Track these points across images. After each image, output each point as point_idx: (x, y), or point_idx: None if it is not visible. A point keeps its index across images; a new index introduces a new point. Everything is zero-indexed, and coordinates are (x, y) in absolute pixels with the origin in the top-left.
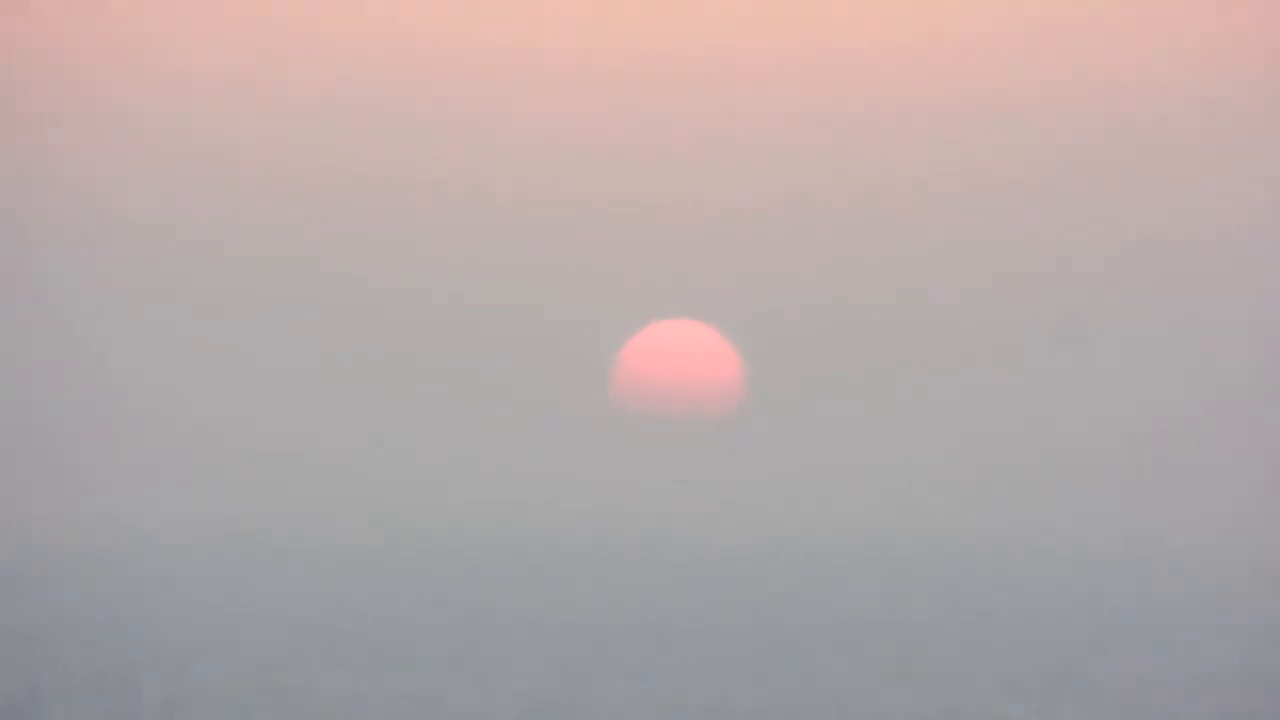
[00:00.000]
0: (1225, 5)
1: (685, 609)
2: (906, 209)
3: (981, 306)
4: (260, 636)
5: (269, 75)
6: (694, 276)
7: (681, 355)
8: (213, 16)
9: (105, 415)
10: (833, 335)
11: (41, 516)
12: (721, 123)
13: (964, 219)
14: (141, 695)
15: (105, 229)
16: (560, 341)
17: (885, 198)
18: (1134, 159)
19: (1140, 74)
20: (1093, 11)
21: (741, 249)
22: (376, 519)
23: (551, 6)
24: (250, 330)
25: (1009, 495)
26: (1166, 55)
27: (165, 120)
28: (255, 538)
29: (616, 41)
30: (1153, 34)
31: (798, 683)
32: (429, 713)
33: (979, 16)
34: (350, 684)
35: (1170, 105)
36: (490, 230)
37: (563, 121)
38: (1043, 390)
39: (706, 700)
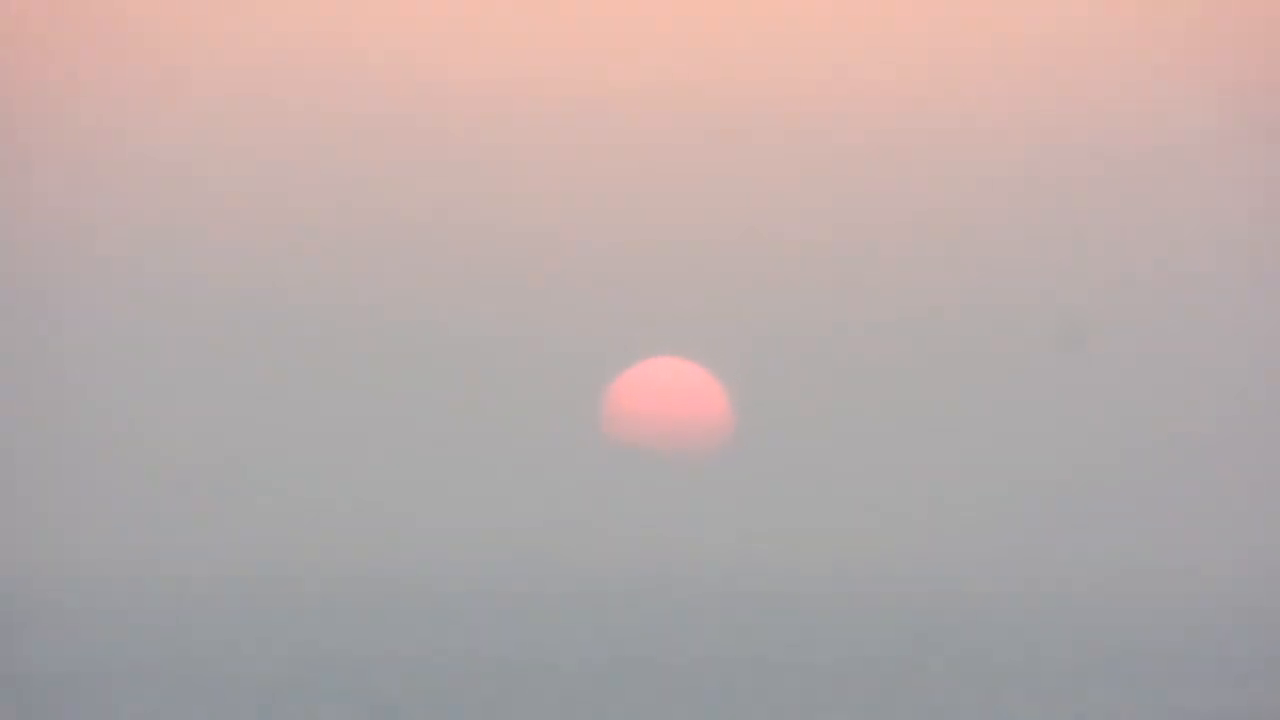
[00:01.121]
0: (1225, 9)
1: (682, 644)
2: (901, 239)
3: (980, 337)
4: (252, 669)
5: (267, 104)
6: (688, 311)
7: (674, 390)
8: (215, 26)
9: (96, 446)
10: (827, 368)
11: (38, 554)
12: (720, 156)
13: (961, 248)
14: None
15: (101, 251)
16: (554, 375)
17: (880, 227)
18: (1137, 176)
19: (1140, 83)
20: (1091, 23)
21: (735, 282)
22: (364, 551)
23: (547, 41)
24: (243, 359)
25: (1009, 525)
26: (1166, 57)
27: (162, 135)
28: (244, 571)
29: (612, 76)
30: (1153, 36)
31: (786, 716)
32: None
33: (974, 33)
34: (330, 714)
35: (1173, 120)
36: (487, 265)
37: (555, 155)
38: (1044, 421)
39: None
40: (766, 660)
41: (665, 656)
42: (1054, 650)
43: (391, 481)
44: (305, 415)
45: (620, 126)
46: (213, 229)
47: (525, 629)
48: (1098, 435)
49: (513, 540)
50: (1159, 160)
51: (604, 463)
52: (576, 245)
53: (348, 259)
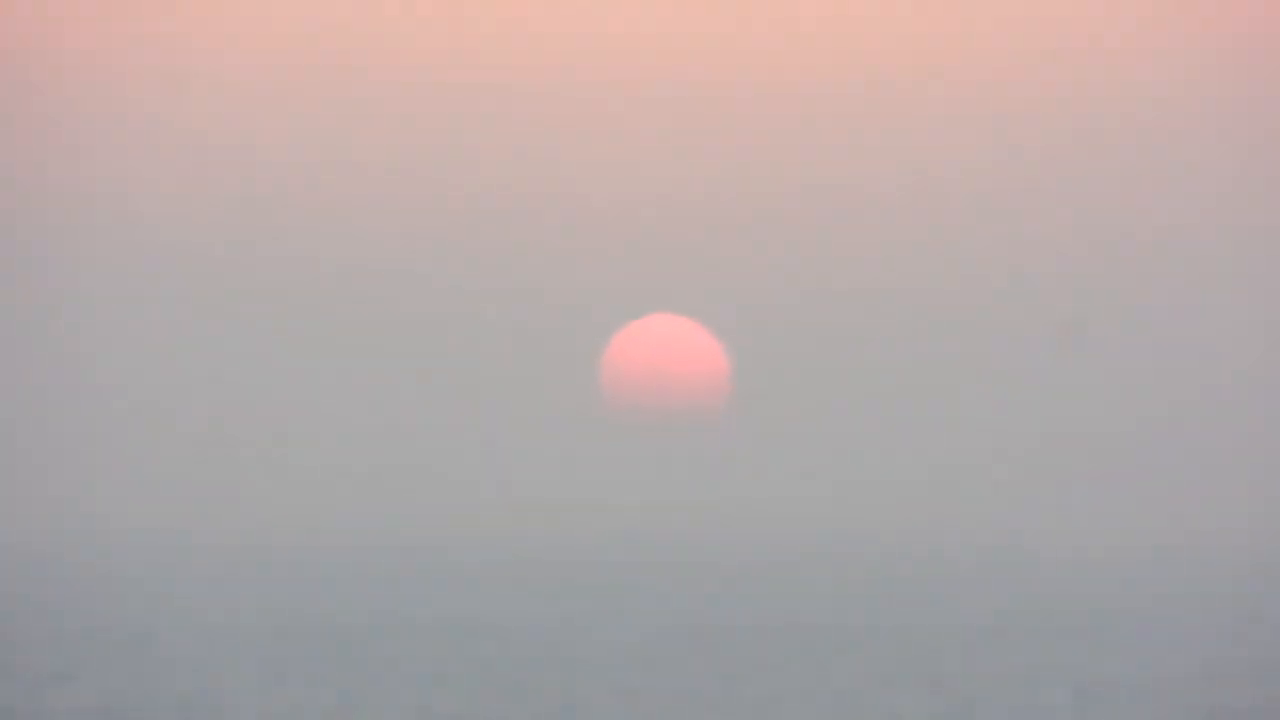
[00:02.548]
0: (1225, 6)
1: (681, 607)
2: (898, 203)
3: (972, 301)
4: (249, 639)
5: (268, 80)
6: (683, 271)
7: (671, 349)
8: (215, 17)
9: (99, 419)
10: (823, 330)
11: (36, 523)
12: (710, 117)
13: (956, 214)
14: (143, 705)
15: (102, 230)
16: (551, 337)
17: (876, 192)
18: (1130, 160)
19: (1138, 75)
20: (1093, 12)
21: (732, 245)
22: (364, 518)
23: (537, 9)
24: (243, 332)
25: (1001, 490)
26: (1165, 55)
27: (164, 121)
28: (234, 539)
29: (601, 37)
30: (1152, 34)
31: (782, 681)
32: (421, 715)
33: (978, 18)
34: (338, 686)
35: (1170, 106)
36: (482, 229)
37: (550, 120)
38: (1037, 386)
39: (687, 697)
40: (761, 626)
41: (659, 621)
42: (1050, 619)
43: (386, 450)
44: (299, 384)
45: (623, 102)
46: (220, 209)
47: (521, 594)
48: (1088, 410)
49: (516, 506)
50: (1154, 151)
51: (605, 427)
52: (580, 218)
53: (350, 231)
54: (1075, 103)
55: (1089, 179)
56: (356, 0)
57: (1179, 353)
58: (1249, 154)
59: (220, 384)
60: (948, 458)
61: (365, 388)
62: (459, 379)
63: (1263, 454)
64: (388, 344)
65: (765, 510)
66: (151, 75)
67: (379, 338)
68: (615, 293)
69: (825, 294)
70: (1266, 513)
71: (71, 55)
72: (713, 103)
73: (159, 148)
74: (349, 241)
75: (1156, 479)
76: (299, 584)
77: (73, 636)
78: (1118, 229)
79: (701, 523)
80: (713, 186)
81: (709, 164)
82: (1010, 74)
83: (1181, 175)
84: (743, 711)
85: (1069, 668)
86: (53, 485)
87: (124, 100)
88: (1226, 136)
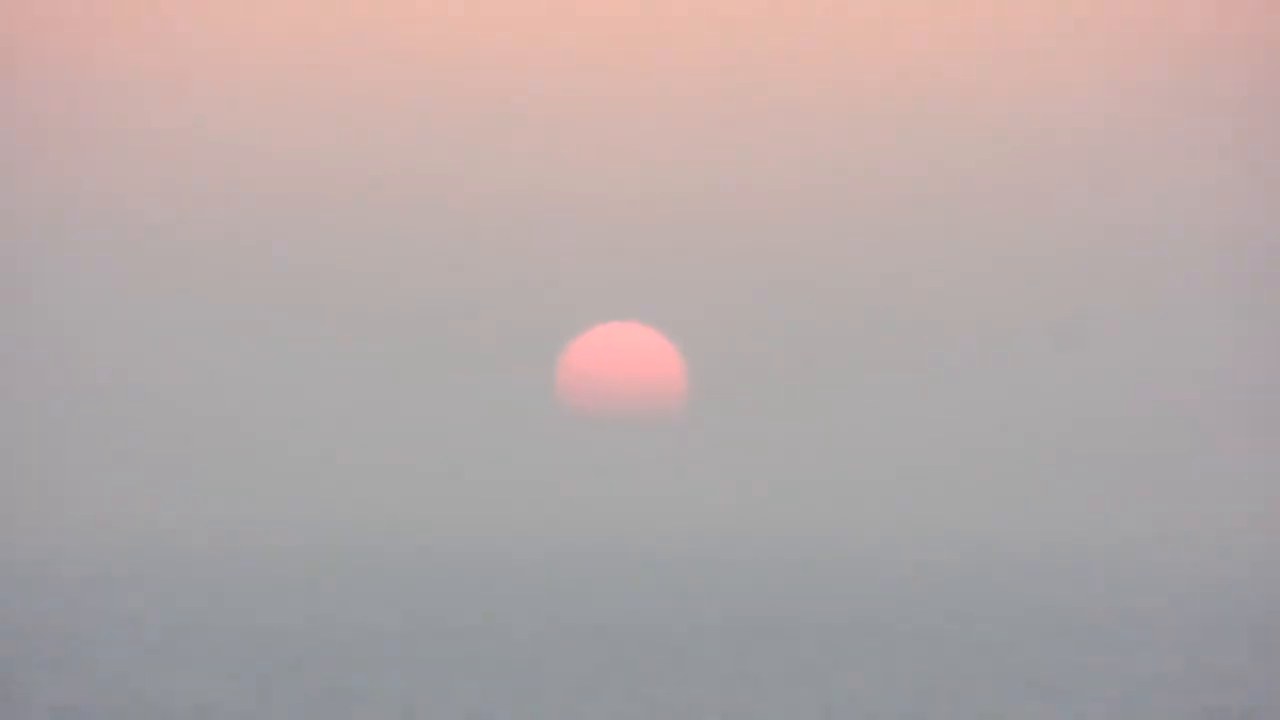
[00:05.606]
0: (1223, 5)
1: (653, 609)
2: (868, 206)
3: (925, 302)
4: (223, 640)
5: (263, 81)
6: (649, 272)
7: (636, 352)
8: (214, 17)
9: (100, 417)
10: (787, 335)
11: (40, 521)
12: (671, 119)
13: (926, 215)
14: (139, 702)
15: (106, 230)
16: (525, 343)
17: (846, 195)
18: (1128, 159)
19: (1137, 74)
20: (1090, 13)
21: (706, 249)
22: (331, 522)
23: (514, 12)
24: (227, 336)
25: (965, 490)
26: (1164, 55)
27: (167, 122)
28: (201, 543)
29: (569, 43)
30: (1150, 35)
31: (740, 680)
32: (385, 714)
33: (971, 17)
34: (313, 685)
35: (1170, 106)
36: (459, 234)
37: (513, 125)
38: (1000, 386)
39: (650, 699)
40: (721, 622)
41: (627, 620)
42: (1025, 614)
43: (359, 456)
44: (267, 385)
45: (577, 114)
46: (215, 211)
47: (489, 596)
48: (1051, 411)
49: (479, 507)
50: (1157, 159)
51: (577, 428)
52: (560, 219)
53: (335, 244)
54: (1053, 103)
55: (1071, 180)
56: (347, 8)
57: (1159, 355)
58: (1251, 154)
59: (194, 387)
60: (920, 457)
61: (336, 398)
62: (426, 378)
63: (1260, 456)
64: (354, 345)
65: (732, 514)
66: (148, 76)
67: (346, 339)
68: (583, 294)
69: (793, 294)
70: (1266, 513)
71: (69, 56)
72: (672, 105)
73: (158, 150)
74: (338, 264)
75: (1144, 479)
76: (270, 593)
77: (60, 635)
78: (1121, 234)
79: (672, 527)
80: (686, 187)
81: (678, 167)
82: (999, 73)
83: (1177, 175)
84: (707, 706)
85: (1045, 671)
86: (50, 485)
87: (121, 102)
88: (1227, 137)
